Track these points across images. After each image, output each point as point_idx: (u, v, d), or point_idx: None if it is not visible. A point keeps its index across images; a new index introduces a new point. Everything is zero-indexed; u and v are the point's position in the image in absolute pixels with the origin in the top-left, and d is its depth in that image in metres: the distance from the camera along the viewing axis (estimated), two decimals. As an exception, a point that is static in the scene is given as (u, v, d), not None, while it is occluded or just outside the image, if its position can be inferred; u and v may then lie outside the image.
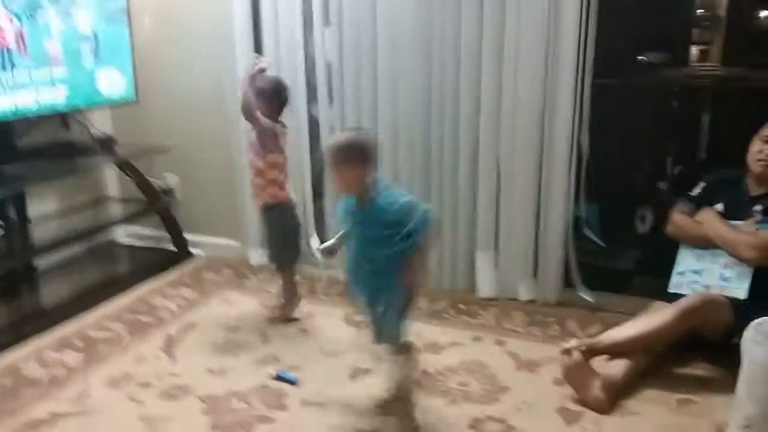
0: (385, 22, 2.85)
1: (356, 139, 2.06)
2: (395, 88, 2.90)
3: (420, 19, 2.80)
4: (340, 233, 2.20)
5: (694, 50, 3.35)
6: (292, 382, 2.29)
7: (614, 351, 2.28)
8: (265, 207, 2.70)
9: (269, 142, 2.58)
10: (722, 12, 3.27)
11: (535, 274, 2.90)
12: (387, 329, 2.15)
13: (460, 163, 2.89)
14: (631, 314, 2.50)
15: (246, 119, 2.55)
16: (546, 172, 2.77)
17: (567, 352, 2.22)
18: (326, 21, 3.01)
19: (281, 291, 2.82)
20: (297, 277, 2.85)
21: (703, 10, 3.33)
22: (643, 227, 3.54)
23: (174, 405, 2.19)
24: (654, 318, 2.32)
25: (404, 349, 2.20)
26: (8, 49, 2.71)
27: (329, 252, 2.23)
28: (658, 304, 2.48)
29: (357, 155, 2.00)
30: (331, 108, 3.08)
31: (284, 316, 2.76)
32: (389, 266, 2.01)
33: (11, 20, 2.72)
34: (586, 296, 2.84)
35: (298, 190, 3.16)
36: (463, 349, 2.53)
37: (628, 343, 2.28)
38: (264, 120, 2.53)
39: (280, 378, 2.32)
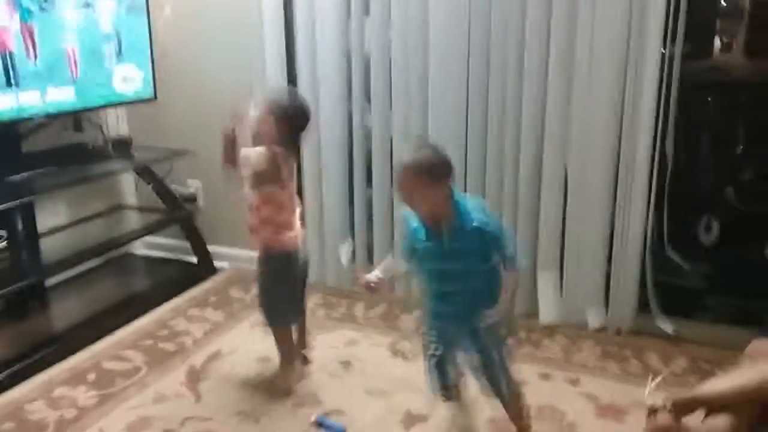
0: (437, 10, 2.51)
1: (439, 155, 1.66)
2: (446, 86, 2.56)
3: (478, 7, 2.45)
4: (392, 263, 1.84)
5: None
6: (337, 433, 1.97)
7: (713, 406, 1.92)
8: (260, 254, 2.18)
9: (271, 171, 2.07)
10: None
11: (606, 298, 2.55)
12: (502, 372, 1.77)
13: (521, 169, 2.54)
14: (716, 345, 2.20)
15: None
16: (623, 182, 2.42)
17: (653, 412, 1.86)
18: (366, 10, 2.67)
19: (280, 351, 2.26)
20: (294, 338, 2.29)
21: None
22: (707, 238, 3.17)
23: (201, 460, 1.89)
24: (761, 365, 1.96)
25: (520, 394, 1.84)
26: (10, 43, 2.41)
27: (372, 286, 1.78)
28: (759, 344, 2.12)
29: (440, 173, 1.62)
30: (371, 108, 2.75)
31: (279, 387, 2.21)
32: (481, 301, 1.65)
33: (16, 11, 2.42)
34: (664, 326, 2.49)
35: (330, 192, 2.85)
36: (530, 389, 2.16)
37: (730, 397, 1.92)
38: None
39: (322, 426, 2.00)
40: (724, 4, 2.93)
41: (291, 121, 2.07)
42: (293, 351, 2.27)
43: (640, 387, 2.13)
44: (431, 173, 1.60)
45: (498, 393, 1.79)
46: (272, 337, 2.23)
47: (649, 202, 2.43)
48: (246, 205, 2.14)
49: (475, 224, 1.62)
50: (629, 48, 2.30)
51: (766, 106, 2.80)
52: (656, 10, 2.23)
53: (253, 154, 2.04)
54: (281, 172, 2.08)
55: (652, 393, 2.08)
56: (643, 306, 2.54)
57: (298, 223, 2.19)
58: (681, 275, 2.66)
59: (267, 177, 2.07)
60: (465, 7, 2.47)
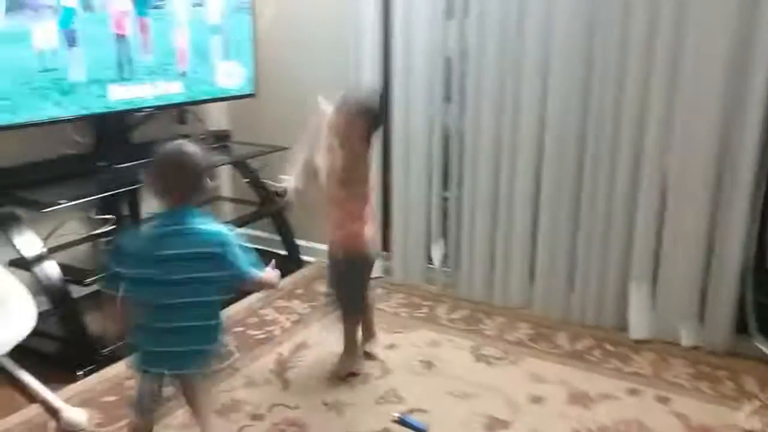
0: (536, 9, 2.49)
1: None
2: (544, 85, 2.54)
3: (580, 7, 2.42)
4: None
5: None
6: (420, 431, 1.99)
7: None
8: (344, 252, 2.20)
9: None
10: None
11: (701, 314, 2.46)
12: None
13: (618, 174, 2.48)
14: None
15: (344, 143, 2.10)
16: (726, 190, 2.32)
17: None
18: (466, 11, 2.67)
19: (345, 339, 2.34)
20: (359, 334, 2.38)
21: None
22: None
23: (287, 445, 1.95)
24: None
25: None
26: (125, 37, 2.57)
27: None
28: None
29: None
30: (466, 110, 2.75)
31: (338, 373, 2.29)
32: None
33: (133, 6, 2.57)
34: (764, 347, 2.37)
35: (417, 193, 2.88)
36: (617, 404, 2.14)
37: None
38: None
39: (404, 423, 2.02)
40: None
41: (373, 121, 2.12)
42: (356, 343, 2.35)
43: (734, 410, 2.07)
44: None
45: None
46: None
47: (752, 216, 2.32)
48: (330, 204, 2.18)
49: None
50: (739, 49, 2.20)
51: None
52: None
53: (338, 156, 2.09)
54: (367, 171, 2.14)
55: (749, 417, 2.02)
56: (740, 326, 2.44)
57: (375, 228, 2.25)
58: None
59: (355, 177, 2.11)
60: (568, 9, 2.44)
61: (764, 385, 2.24)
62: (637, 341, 2.51)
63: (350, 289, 2.27)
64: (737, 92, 2.24)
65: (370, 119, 2.10)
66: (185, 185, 1.67)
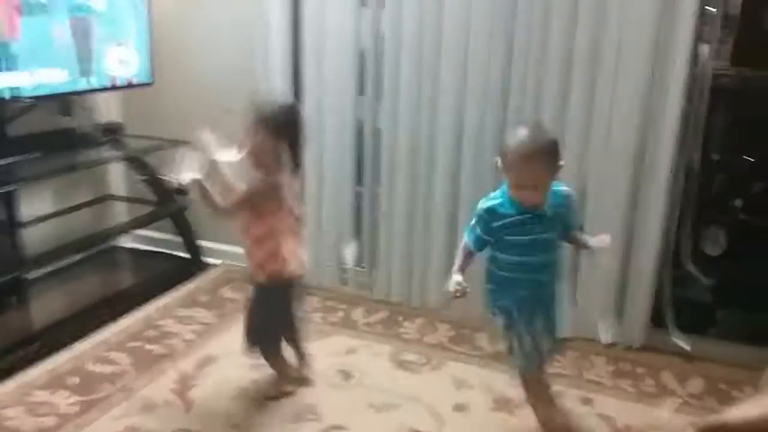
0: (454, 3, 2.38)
1: (548, 134, 1.72)
2: (463, 80, 2.44)
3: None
4: (464, 264, 1.79)
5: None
6: (339, 452, 1.84)
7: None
8: (261, 284, 1.99)
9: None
10: None
11: (619, 311, 2.44)
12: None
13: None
14: (734, 365, 2.19)
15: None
16: (643, 186, 2.31)
17: None
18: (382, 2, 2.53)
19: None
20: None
21: None
22: (713, 250, 3.07)
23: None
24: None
25: None
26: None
27: (462, 293, 1.74)
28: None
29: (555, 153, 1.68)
30: (381, 105, 2.61)
31: (268, 392, 2.10)
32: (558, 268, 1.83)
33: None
34: (682, 342, 2.38)
35: (332, 194, 2.71)
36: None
37: (759, 425, 1.82)
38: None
39: (323, 443, 1.87)
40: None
41: (291, 134, 1.89)
42: (286, 365, 2.13)
43: (657, 408, 2.05)
44: (557, 155, 1.67)
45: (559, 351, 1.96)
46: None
47: (669, 211, 2.32)
48: (244, 235, 1.95)
49: (565, 191, 1.75)
50: (658, 47, 2.18)
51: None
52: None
53: (250, 184, 1.87)
54: (285, 197, 1.91)
55: (671, 414, 2.00)
56: (656, 321, 2.44)
57: (301, 246, 2.03)
58: (698, 290, 2.56)
59: (269, 206, 1.89)
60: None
61: (682, 381, 2.25)
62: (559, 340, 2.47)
63: (262, 328, 2.03)
64: (656, 86, 2.22)
65: (280, 134, 1.87)
66: None
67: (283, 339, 2.09)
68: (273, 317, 2.02)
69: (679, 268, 2.47)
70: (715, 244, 3.04)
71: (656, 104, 2.23)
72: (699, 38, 2.21)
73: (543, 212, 1.70)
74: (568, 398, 2.11)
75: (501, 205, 1.71)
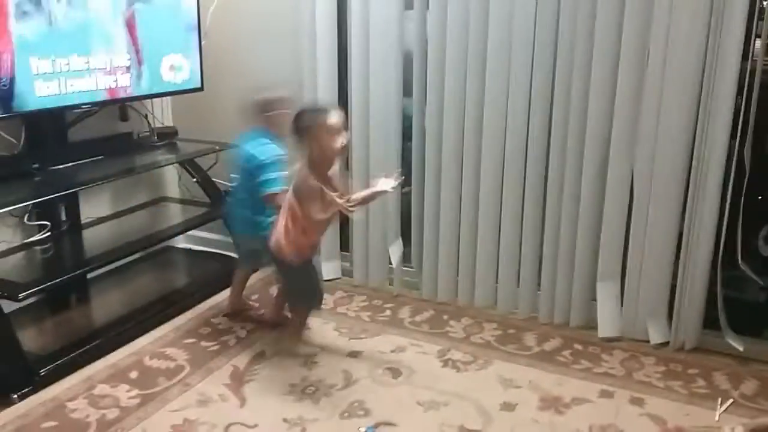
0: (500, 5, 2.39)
1: None
2: (507, 81, 2.44)
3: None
4: None
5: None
6: (387, 448, 1.88)
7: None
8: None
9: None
10: None
11: (670, 312, 2.41)
12: None
13: (585, 170, 2.40)
14: None
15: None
16: (695, 184, 2.26)
17: None
18: (427, 2, 2.55)
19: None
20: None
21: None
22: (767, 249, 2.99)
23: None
24: None
25: None
26: (54, 21, 2.35)
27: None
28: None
29: None
30: (427, 106, 2.64)
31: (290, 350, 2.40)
32: None
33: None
34: (735, 343, 2.33)
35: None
36: (591, 408, 2.07)
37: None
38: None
39: (372, 438, 1.91)
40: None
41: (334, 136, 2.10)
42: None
43: (709, 410, 2.02)
44: None
45: None
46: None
47: (722, 210, 2.27)
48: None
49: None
50: (708, 42, 2.15)
51: None
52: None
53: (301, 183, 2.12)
54: (325, 195, 2.09)
55: (723, 417, 1.97)
56: (707, 322, 2.40)
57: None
58: (752, 290, 2.51)
59: (313, 200, 2.11)
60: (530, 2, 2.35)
61: (735, 382, 2.21)
62: (606, 340, 2.46)
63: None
64: (708, 84, 2.18)
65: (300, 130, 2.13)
66: None
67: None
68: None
69: (733, 268, 2.42)
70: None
71: (708, 100, 2.18)
72: (752, 33, 2.16)
73: None
74: (617, 398, 2.11)
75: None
